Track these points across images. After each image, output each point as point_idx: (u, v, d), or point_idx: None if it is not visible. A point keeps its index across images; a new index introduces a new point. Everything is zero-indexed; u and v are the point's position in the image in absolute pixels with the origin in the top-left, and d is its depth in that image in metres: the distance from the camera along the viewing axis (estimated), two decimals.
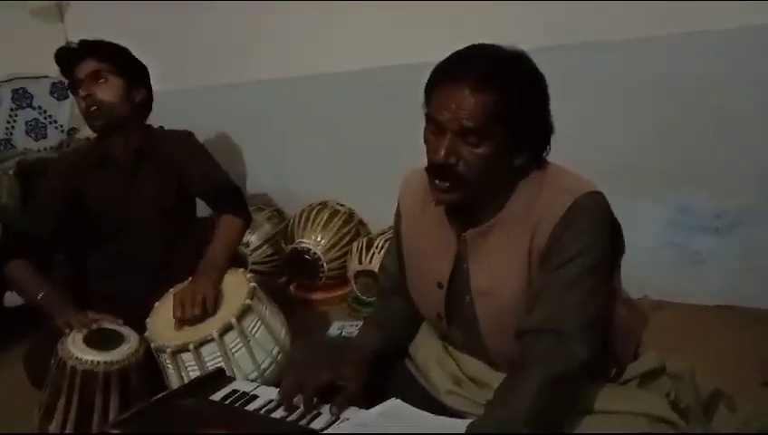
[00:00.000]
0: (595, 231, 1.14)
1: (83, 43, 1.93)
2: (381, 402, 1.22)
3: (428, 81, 1.17)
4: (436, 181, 1.16)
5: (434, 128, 1.15)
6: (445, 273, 1.26)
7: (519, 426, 1.02)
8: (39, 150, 3.25)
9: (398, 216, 1.40)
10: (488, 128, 1.10)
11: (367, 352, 1.31)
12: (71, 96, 3.29)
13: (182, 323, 1.73)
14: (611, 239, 1.17)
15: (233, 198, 2.01)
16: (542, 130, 1.18)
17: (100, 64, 1.89)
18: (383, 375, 1.32)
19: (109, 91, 1.90)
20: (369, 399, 1.24)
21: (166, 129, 2.09)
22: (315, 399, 1.22)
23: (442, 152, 1.12)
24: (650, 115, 2.28)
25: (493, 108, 1.10)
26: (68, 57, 1.92)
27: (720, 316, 2.22)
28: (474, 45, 1.17)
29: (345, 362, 1.27)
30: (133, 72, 1.97)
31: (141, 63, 2.02)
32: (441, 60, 1.17)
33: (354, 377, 1.24)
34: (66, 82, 2.01)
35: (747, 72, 2.12)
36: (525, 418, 1.03)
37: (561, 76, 2.15)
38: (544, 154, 1.20)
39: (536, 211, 1.16)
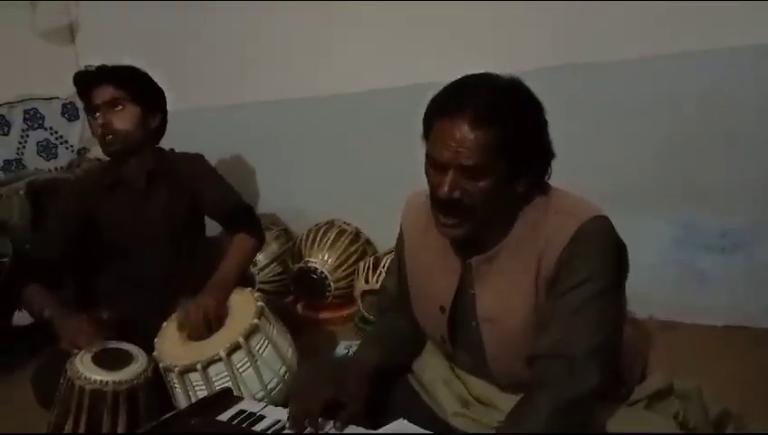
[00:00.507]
0: (602, 256, 1.14)
1: (102, 68, 1.93)
2: (382, 417, 1.23)
3: (425, 114, 1.18)
4: (443, 217, 1.17)
5: (435, 165, 1.15)
6: (447, 297, 1.27)
7: None
8: (50, 170, 3.29)
9: (400, 237, 1.42)
10: (489, 163, 1.11)
11: (368, 367, 1.31)
12: (81, 117, 3.35)
13: (182, 329, 1.75)
14: (618, 263, 1.17)
15: (246, 218, 2.03)
16: (542, 157, 1.18)
17: (118, 92, 1.90)
18: (384, 390, 1.33)
19: (125, 118, 1.91)
20: (370, 414, 1.25)
21: (176, 151, 2.12)
22: (321, 419, 1.22)
23: (446, 188, 1.12)
24: (653, 134, 2.29)
25: (492, 143, 1.10)
26: (86, 81, 1.93)
27: (727, 337, 2.21)
28: (469, 77, 1.17)
29: (347, 379, 1.28)
30: (150, 99, 1.98)
31: (158, 88, 2.03)
32: (442, 88, 1.17)
33: (356, 394, 1.25)
34: (79, 103, 2.03)
35: (749, 90, 2.13)
36: None
37: (563, 96, 2.17)
38: (546, 178, 1.21)
39: (542, 236, 1.16)
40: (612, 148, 2.35)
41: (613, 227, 1.18)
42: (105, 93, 1.89)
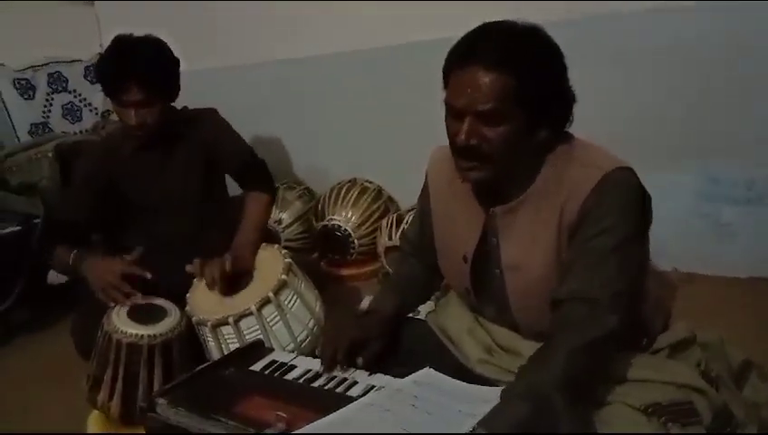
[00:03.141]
0: (624, 206, 1.15)
1: (126, 67, 1.86)
2: (408, 367, 1.27)
3: (444, 64, 1.18)
4: (462, 161, 1.19)
5: (452, 113, 1.16)
6: (470, 247, 1.29)
7: (550, 390, 1.04)
8: (76, 133, 3.33)
9: (425, 190, 1.44)
10: (505, 109, 1.11)
11: (386, 315, 1.42)
12: None
13: (209, 284, 1.81)
14: (641, 213, 1.18)
15: (258, 174, 2.08)
16: (561, 104, 1.18)
17: (147, 94, 1.87)
18: (403, 334, 1.44)
19: (154, 114, 1.91)
20: (393, 356, 1.37)
21: (190, 108, 2.12)
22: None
23: (463, 136, 1.14)
24: (679, 85, 2.25)
25: (507, 90, 1.10)
26: (110, 80, 1.90)
27: (751, 288, 2.21)
28: (486, 25, 1.17)
29: (370, 322, 1.40)
30: (174, 89, 1.98)
31: (177, 69, 1.98)
32: (458, 39, 1.17)
33: (378, 335, 1.37)
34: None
35: None
36: (557, 383, 1.05)
37: (588, 47, 2.13)
38: (567, 125, 1.21)
39: (565, 186, 1.17)
40: (638, 100, 2.32)
41: (637, 177, 1.18)
42: (133, 94, 1.86)
